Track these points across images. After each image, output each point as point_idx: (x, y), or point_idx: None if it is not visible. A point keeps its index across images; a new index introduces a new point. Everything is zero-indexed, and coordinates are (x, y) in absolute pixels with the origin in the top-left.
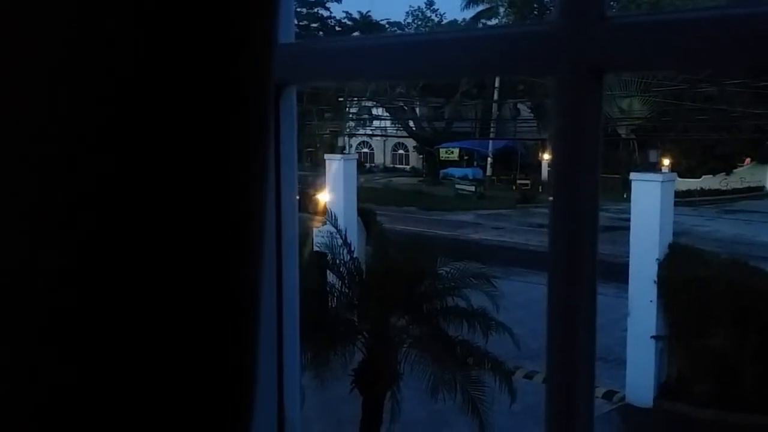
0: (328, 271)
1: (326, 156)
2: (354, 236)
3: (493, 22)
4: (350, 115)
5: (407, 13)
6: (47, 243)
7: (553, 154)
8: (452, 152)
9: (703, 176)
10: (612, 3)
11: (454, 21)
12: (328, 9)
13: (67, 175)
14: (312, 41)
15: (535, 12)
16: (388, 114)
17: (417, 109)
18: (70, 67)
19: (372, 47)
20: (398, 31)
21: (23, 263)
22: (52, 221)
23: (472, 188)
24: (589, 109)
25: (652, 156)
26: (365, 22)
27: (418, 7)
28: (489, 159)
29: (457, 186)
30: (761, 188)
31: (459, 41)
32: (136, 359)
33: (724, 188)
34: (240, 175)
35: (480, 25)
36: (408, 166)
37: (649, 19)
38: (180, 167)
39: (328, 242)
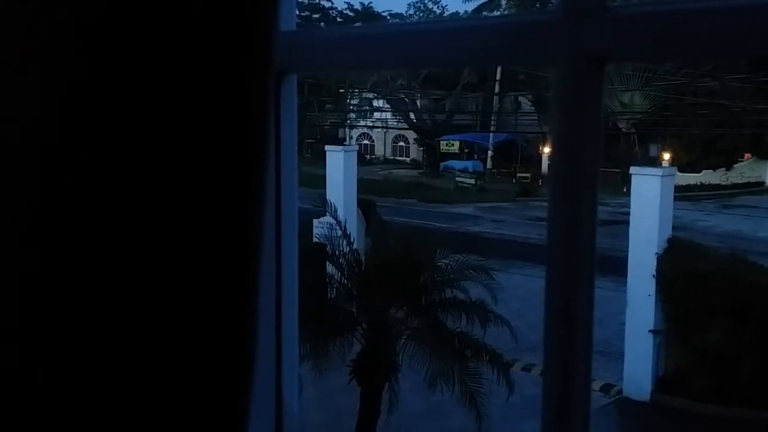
0: (327, 262)
1: (327, 147)
2: (353, 227)
3: (495, 14)
4: (351, 107)
5: (409, 4)
6: (46, 238)
7: (554, 144)
8: (453, 145)
9: (703, 171)
10: None
11: (456, 13)
12: (330, 0)
13: (64, 169)
14: (314, 29)
15: (537, 4)
16: (388, 106)
17: (418, 101)
18: (73, 59)
19: (374, 36)
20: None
21: (23, 258)
22: (52, 217)
23: (472, 181)
24: (590, 99)
25: (653, 150)
26: (367, 13)
27: None
28: (489, 152)
29: (457, 178)
30: (761, 183)
31: (461, 30)
32: (135, 351)
33: (724, 183)
34: (239, 161)
35: None
36: (408, 158)
37: (650, 10)
38: (178, 155)
39: (327, 233)
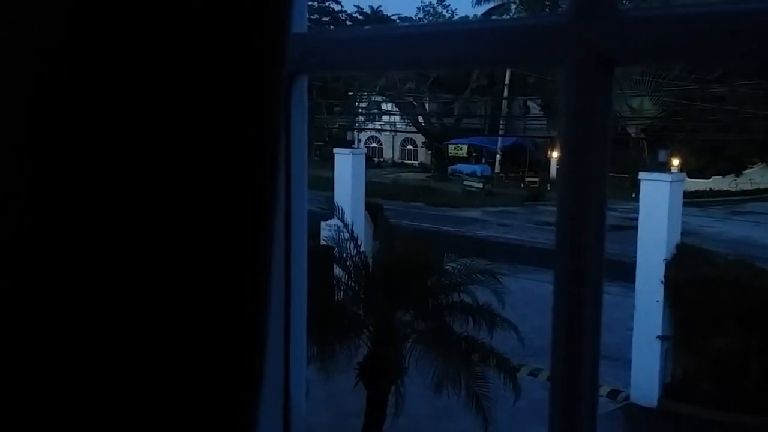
0: (334, 265)
1: (335, 150)
2: (361, 230)
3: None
4: (359, 110)
5: (418, 8)
6: (52, 241)
7: (562, 146)
8: (461, 148)
9: (712, 177)
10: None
11: (466, 17)
12: (339, 3)
13: (74, 170)
14: (324, 31)
15: (547, 9)
16: (397, 109)
17: (426, 105)
18: (76, 56)
19: (384, 37)
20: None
21: (29, 257)
22: (65, 219)
23: (480, 185)
24: (599, 101)
25: (662, 156)
26: (376, 17)
27: (430, 2)
28: (497, 156)
29: (465, 182)
30: None
31: (471, 32)
32: (147, 352)
33: (733, 189)
34: (252, 162)
35: None
36: (416, 162)
37: (659, 13)
38: (190, 156)
39: (335, 236)
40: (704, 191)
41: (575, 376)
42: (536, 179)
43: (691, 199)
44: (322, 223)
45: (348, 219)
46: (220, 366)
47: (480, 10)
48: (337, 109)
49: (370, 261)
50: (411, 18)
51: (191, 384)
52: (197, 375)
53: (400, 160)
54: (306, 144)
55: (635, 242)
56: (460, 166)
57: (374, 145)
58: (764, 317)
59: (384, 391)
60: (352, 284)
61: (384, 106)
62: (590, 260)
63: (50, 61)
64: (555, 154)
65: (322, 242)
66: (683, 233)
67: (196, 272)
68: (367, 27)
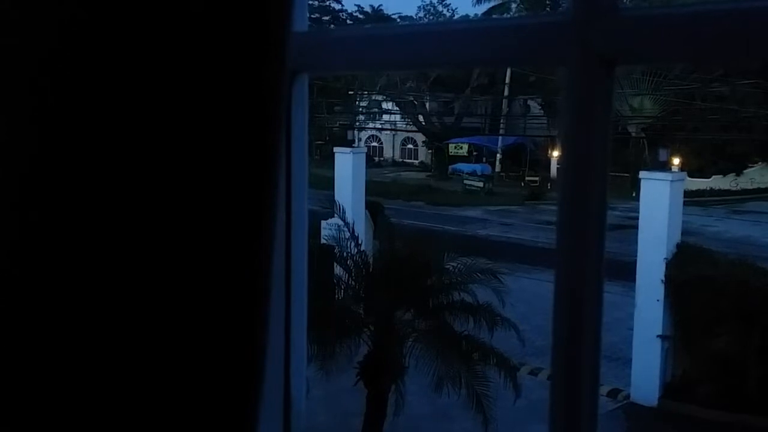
0: (335, 264)
1: (335, 149)
2: (361, 229)
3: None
4: (360, 109)
5: (419, 7)
6: (56, 239)
7: (563, 145)
8: (461, 148)
9: (713, 176)
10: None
11: (466, 16)
12: (339, 2)
13: (75, 167)
14: (325, 30)
15: (547, 8)
16: (397, 108)
17: (427, 104)
18: (78, 57)
19: (385, 36)
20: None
21: (28, 253)
22: (62, 218)
23: (481, 184)
24: (599, 99)
25: (662, 155)
26: (377, 16)
27: (430, 1)
28: (498, 155)
29: (466, 182)
30: None
31: (472, 31)
32: (149, 349)
33: (734, 189)
34: (252, 160)
35: None
36: (417, 161)
37: (659, 12)
38: (192, 155)
39: (335, 235)
40: (705, 190)
41: (575, 376)
42: (537, 178)
43: (691, 198)
44: (323, 222)
45: (348, 218)
46: (220, 365)
47: (480, 10)
48: (337, 108)
49: (371, 260)
50: (411, 17)
51: (192, 383)
52: (198, 374)
53: (400, 159)
54: (306, 143)
55: (636, 241)
56: (460, 165)
57: (374, 144)
58: (765, 317)
59: (384, 390)
60: (353, 283)
61: (384, 105)
62: (590, 259)
63: (56, 64)
64: (555, 154)
65: (323, 241)
66: (684, 232)
67: (196, 271)
68: (367, 26)
